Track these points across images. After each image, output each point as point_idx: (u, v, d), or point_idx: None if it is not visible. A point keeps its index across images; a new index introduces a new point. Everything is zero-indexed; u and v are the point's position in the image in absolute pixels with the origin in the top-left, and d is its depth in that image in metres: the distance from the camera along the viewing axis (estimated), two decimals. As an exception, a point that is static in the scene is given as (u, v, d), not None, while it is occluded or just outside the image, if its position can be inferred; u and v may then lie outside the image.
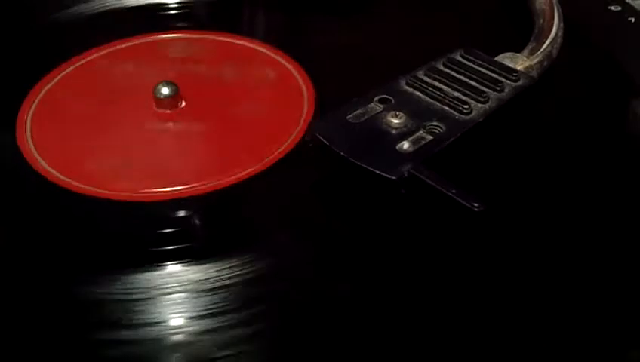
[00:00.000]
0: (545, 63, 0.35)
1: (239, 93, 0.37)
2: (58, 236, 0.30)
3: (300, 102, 0.36)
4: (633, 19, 0.41)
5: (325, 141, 0.30)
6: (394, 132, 0.30)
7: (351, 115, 0.31)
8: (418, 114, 0.31)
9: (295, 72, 0.38)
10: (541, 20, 0.37)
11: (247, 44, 0.41)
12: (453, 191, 0.28)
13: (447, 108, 0.32)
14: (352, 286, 0.28)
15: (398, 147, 0.30)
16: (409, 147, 0.30)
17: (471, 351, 0.26)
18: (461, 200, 0.27)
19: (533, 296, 0.27)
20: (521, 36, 0.37)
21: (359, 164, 0.29)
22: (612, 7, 0.42)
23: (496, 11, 0.43)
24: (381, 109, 0.32)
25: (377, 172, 0.29)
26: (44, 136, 0.35)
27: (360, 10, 0.44)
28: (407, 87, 0.33)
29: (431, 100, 0.32)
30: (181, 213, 0.31)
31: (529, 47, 0.36)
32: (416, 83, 0.33)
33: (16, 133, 0.35)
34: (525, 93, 0.33)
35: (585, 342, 0.26)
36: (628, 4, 0.42)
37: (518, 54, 0.35)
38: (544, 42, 0.35)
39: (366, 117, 0.31)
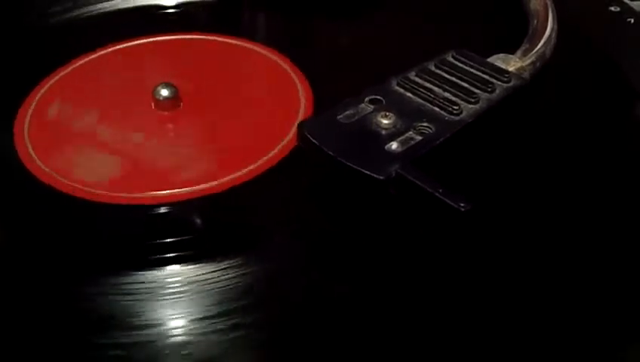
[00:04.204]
0: (537, 64, 0.35)
1: (238, 95, 0.38)
2: (57, 239, 0.30)
3: (298, 104, 0.36)
4: (632, 20, 0.41)
5: (315, 141, 0.30)
6: (384, 132, 0.31)
7: (341, 116, 0.31)
8: (408, 114, 0.31)
9: (293, 74, 0.38)
10: (535, 21, 0.37)
11: (245, 45, 0.41)
12: (440, 191, 0.28)
13: (437, 108, 0.32)
14: (350, 287, 0.28)
15: (387, 147, 0.30)
16: (398, 147, 0.30)
17: (463, 348, 0.26)
18: (447, 200, 0.28)
19: (522, 294, 0.27)
20: (518, 37, 0.37)
21: (348, 164, 0.29)
22: (611, 8, 0.42)
23: (495, 13, 0.43)
24: (371, 110, 0.32)
25: (365, 172, 0.29)
26: (42, 138, 0.35)
27: (358, 11, 0.44)
28: (398, 88, 0.33)
29: (421, 101, 0.32)
30: (180, 215, 0.31)
31: (522, 48, 0.36)
32: (407, 84, 0.33)
33: (14, 135, 0.35)
34: (517, 94, 0.33)
35: (575, 341, 0.26)
36: (627, 4, 0.42)
37: (510, 55, 0.35)
38: (537, 43, 0.35)
39: (356, 117, 0.31)
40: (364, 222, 0.30)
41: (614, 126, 0.35)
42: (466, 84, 0.33)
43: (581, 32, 0.41)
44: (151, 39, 0.42)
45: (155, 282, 0.28)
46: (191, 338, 0.26)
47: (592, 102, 0.37)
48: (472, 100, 0.32)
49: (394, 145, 0.30)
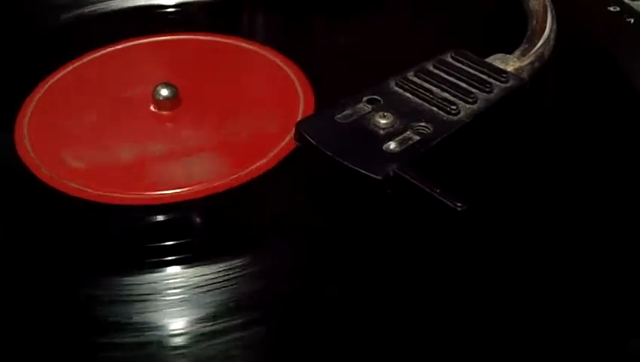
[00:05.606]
0: (536, 65, 0.35)
1: (238, 95, 0.38)
2: (57, 239, 0.31)
3: (297, 104, 0.37)
4: (632, 20, 0.41)
5: (312, 141, 0.30)
6: (381, 132, 0.31)
7: (339, 115, 0.31)
8: (406, 114, 0.31)
9: (293, 74, 0.38)
10: (534, 22, 0.37)
11: (245, 45, 0.41)
12: (437, 191, 0.28)
13: (435, 108, 0.32)
14: (349, 286, 0.28)
15: (384, 147, 0.30)
16: (395, 147, 0.30)
17: (462, 347, 0.26)
18: (445, 200, 0.28)
19: (518, 294, 0.27)
20: (518, 37, 0.37)
21: (345, 163, 0.29)
22: (611, 8, 0.42)
23: (494, 13, 0.43)
24: (369, 110, 0.32)
25: (363, 172, 0.29)
26: (42, 138, 0.35)
27: (358, 11, 0.44)
28: (396, 88, 0.33)
29: (419, 101, 0.32)
30: (180, 216, 0.32)
31: (521, 48, 0.35)
32: (405, 84, 0.33)
33: (14, 135, 0.35)
34: (515, 95, 0.33)
35: (572, 340, 0.26)
36: (627, 4, 0.42)
37: (509, 55, 0.35)
38: (536, 43, 0.35)
39: (354, 117, 0.31)
40: (362, 222, 0.31)
41: (614, 126, 0.35)
42: (464, 84, 0.33)
43: (581, 32, 0.41)
44: (151, 39, 0.42)
45: (155, 282, 0.28)
46: (191, 338, 0.26)
47: (591, 103, 0.37)
48: (470, 100, 0.32)
49: (392, 145, 0.30)
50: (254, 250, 0.29)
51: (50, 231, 0.31)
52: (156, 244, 0.30)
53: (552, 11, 0.37)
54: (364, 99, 0.32)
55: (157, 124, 0.36)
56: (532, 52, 0.35)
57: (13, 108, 0.37)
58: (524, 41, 0.36)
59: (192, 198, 0.32)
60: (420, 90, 0.33)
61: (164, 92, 0.36)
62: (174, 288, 0.28)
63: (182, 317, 0.27)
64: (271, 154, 0.34)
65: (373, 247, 0.29)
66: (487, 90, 0.33)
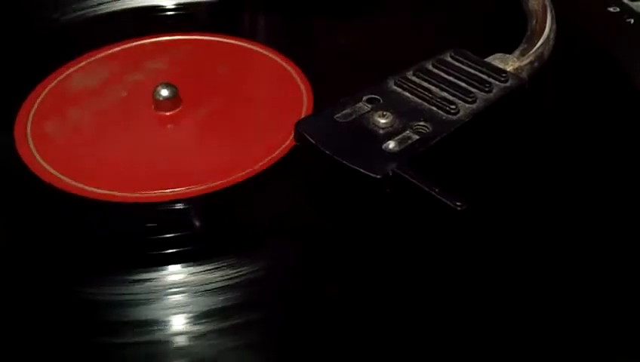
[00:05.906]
0: (535, 64, 0.35)
1: (238, 95, 0.38)
2: (57, 238, 0.31)
3: (299, 104, 0.37)
4: (632, 21, 0.41)
5: (312, 140, 0.30)
6: (381, 131, 0.31)
7: (339, 115, 0.31)
8: (405, 114, 0.31)
9: (294, 74, 0.39)
10: (534, 21, 0.37)
11: (246, 45, 0.41)
12: (436, 190, 0.28)
13: (434, 108, 0.32)
14: (349, 286, 0.28)
15: (384, 146, 0.30)
16: (395, 146, 0.30)
17: (462, 346, 0.26)
18: (444, 200, 0.28)
19: (517, 294, 0.27)
20: (518, 37, 0.37)
21: (345, 163, 0.29)
22: (611, 9, 0.42)
23: (494, 13, 0.43)
24: (369, 109, 0.32)
25: (362, 171, 0.29)
26: (44, 138, 0.35)
27: (359, 11, 0.44)
28: (395, 87, 0.33)
29: (419, 100, 0.32)
30: (181, 215, 0.32)
31: (521, 48, 0.36)
32: (404, 83, 0.33)
33: (15, 135, 0.35)
34: (515, 94, 0.33)
35: (570, 340, 0.26)
36: (627, 5, 0.42)
37: (508, 55, 0.35)
38: (536, 43, 0.35)
39: (354, 116, 0.31)
40: (361, 221, 0.31)
41: (614, 126, 0.35)
42: (463, 84, 0.33)
43: (581, 32, 0.41)
44: (151, 39, 0.42)
45: (154, 282, 0.28)
46: (191, 338, 0.26)
47: (591, 103, 0.37)
48: (470, 100, 0.32)
49: (391, 145, 0.30)
50: (254, 250, 0.29)
51: (49, 230, 0.31)
52: (155, 244, 0.30)
53: (551, 11, 0.37)
54: (364, 98, 0.32)
55: (157, 124, 0.36)
56: (531, 52, 0.35)
57: (14, 109, 0.37)
58: (524, 40, 0.36)
59: (191, 198, 0.32)
60: (420, 89, 0.33)
61: (164, 92, 0.36)
62: (174, 288, 0.28)
63: (181, 316, 0.27)
64: (272, 154, 0.34)
65: (373, 247, 0.29)
66: (487, 89, 0.33)
